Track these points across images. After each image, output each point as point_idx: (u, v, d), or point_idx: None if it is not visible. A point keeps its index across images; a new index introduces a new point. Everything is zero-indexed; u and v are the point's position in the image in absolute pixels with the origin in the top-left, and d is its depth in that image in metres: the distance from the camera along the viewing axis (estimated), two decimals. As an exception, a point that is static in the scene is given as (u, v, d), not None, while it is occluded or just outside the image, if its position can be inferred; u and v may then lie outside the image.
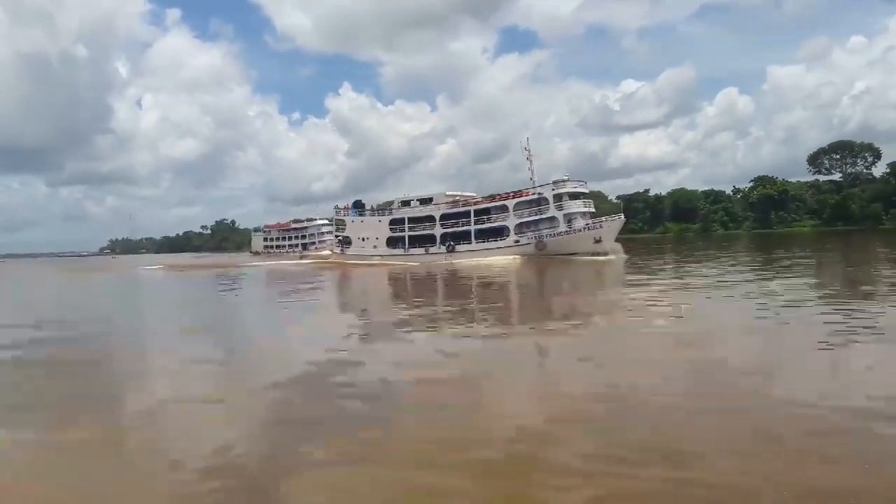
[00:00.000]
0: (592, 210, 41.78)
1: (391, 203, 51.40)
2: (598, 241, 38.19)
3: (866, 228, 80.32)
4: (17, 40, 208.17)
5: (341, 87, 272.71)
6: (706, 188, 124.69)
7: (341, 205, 52.94)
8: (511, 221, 41.79)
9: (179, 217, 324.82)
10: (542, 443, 5.47)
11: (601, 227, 38.82)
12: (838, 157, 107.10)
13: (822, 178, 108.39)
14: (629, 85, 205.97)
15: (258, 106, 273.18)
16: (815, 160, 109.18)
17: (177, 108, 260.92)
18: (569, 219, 39.96)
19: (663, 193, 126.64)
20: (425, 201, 47.29)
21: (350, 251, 49.96)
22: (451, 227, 44.67)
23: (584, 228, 39.02)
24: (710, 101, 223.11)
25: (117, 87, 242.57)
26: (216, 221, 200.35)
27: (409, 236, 46.68)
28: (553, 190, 40.81)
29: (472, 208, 44.05)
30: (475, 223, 43.49)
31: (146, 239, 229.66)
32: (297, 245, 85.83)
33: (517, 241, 41.09)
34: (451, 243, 44.00)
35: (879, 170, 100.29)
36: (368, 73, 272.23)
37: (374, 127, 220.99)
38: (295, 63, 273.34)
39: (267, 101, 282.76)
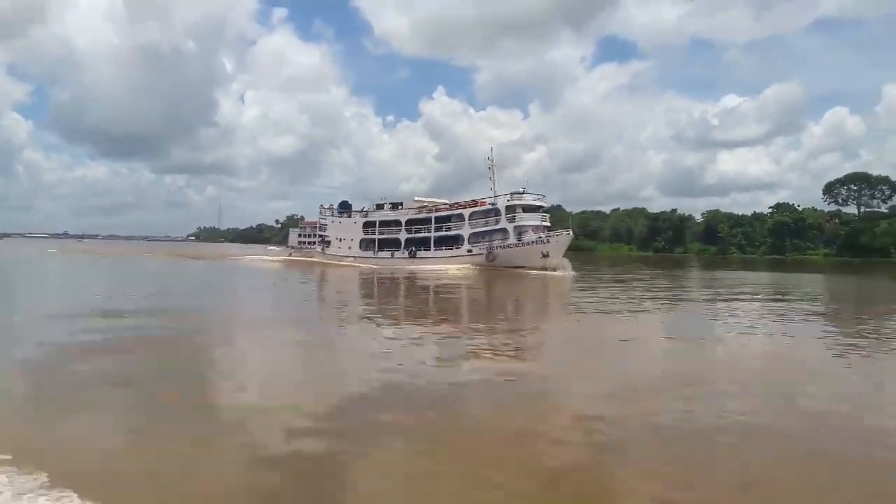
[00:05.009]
0: (547, 224, 37.14)
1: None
2: (545, 255, 33.64)
3: (875, 261, 70.17)
4: (134, 32, 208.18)
5: (435, 91, 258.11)
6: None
7: (326, 205, 49.66)
8: (466, 231, 37.81)
9: (273, 210, 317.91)
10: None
11: (548, 241, 34.14)
12: (856, 188, 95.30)
13: (843, 208, 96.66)
14: (731, 100, 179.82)
15: (354, 107, 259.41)
16: (830, 190, 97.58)
17: (276, 105, 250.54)
18: (520, 231, 35.52)
19: (697, 216, 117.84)
20: (396, 206, 43.78)
21: (329, 251, 47.09)
22: (416, 232, 41.14)
23: (533, 242, 34.45)
24: (816, 121, 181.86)
25: (223, 82, 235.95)
26: (287, 217, 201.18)
27: (379, 240, 43.32)
28: (507, 201, 36.49)
29: (433, 215, 40.32)
30: (435, 230, 39.75)
31: (230, 229, 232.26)
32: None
33: (470, 251, 37.04)
34: (413, 249, 40.39)
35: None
36: (463, 79, 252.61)
37: (464, 132, 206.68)
38: (392, 66, 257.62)
39: (363, 102, 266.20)
